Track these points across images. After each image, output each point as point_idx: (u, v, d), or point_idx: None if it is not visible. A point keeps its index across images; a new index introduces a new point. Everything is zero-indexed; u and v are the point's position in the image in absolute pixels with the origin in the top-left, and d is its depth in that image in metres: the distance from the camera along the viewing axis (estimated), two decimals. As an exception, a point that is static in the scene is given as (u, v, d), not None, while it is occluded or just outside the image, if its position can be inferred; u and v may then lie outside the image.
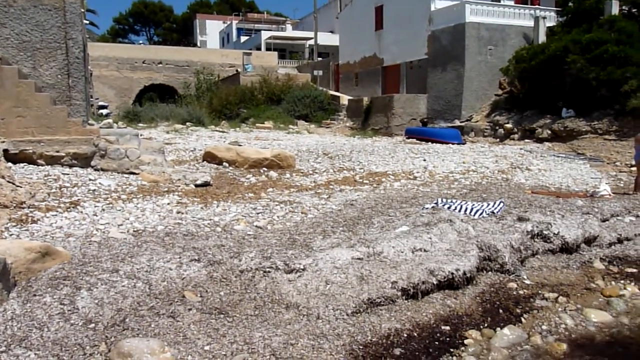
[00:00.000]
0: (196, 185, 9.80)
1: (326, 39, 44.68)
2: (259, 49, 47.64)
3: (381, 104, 27.10)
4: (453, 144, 19.83)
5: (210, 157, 12.96)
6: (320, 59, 42.31)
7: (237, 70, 38.11)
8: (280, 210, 8.13)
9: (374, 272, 5.11)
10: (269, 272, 5.00)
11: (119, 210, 7.52)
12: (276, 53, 44.85)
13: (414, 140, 21.55)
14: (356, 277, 5.02)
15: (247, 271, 5.03)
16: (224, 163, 12.53)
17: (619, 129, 17.74)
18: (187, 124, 26.01)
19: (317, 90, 32.63)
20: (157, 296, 4.48)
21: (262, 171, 12.03)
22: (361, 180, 11.43)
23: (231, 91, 32.48)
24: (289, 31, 56.04)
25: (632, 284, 6.20)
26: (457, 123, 23.97)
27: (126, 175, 10.01)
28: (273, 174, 11.75)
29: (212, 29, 64.38)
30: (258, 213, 7.86)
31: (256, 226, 7.09)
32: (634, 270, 6.60)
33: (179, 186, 9.66)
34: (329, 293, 4.76)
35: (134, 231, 6.52)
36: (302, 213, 7.99)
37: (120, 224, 6.81)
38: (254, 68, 36.93)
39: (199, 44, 61.76)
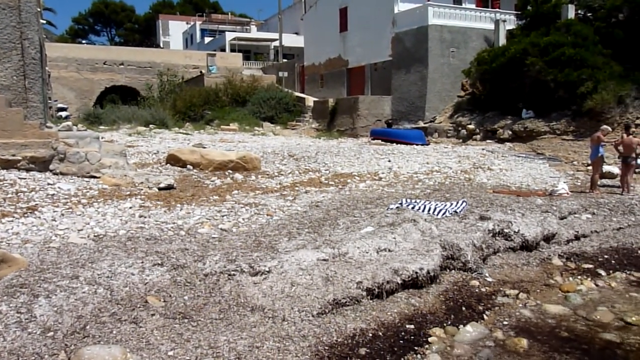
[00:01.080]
0: (159, 189, 9.64)
1: (291, 40, 44.60)
2: (223, 50, 47.12)
3: (346, 105, 27.26)
4: (417, 144, 20.11)
5: (174, 160, 12.79)
6: (285, 60, 42.20)
7: (201, 72, 37.68)
8: (245, 212, 8.08)
9: (339, 273, 5.13)
10: (234, 275, 4.96)
11: (79, 215, 7.34)
12: (241, 54, 44.47)
13: (379, 141, 21.75)
14: (321, 278, 5.03)
15: (211, 274, 4.98)
16: (188, 165, 12.38)
17: (576, 129, 18.34)
18: (150, 126, 25.62)
19: (283, 91, 32.56)
20: (119, 302, 4.39)
21: (227, 173, 11.93)
22: (327, 181, 11.47)
23: (195, 93, 32.09)
24: (254, 32, 55.63)
25: (589, 279, 6.44)
26: (421, 124, 24.30)
27: (86, 179, 9.78)
28: (238, 176, 11.67)
29: (175, 29, 63.40)
30: (223, 216, 7.79)
31: (221, 229, 7.03)
32: (590, 265, 6.84)
33: (142, 189, 9.49)
34: (295, 295, 4.76)
35: (94, 236, 6.37)
36: (267, 215, 7.96)
37: (81, 229, 6.65)
38: (218, 69, 36.52)
39: (162, 45, 60.66)
